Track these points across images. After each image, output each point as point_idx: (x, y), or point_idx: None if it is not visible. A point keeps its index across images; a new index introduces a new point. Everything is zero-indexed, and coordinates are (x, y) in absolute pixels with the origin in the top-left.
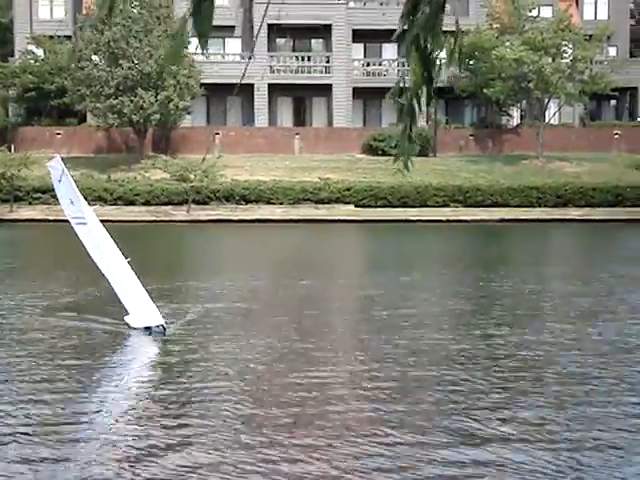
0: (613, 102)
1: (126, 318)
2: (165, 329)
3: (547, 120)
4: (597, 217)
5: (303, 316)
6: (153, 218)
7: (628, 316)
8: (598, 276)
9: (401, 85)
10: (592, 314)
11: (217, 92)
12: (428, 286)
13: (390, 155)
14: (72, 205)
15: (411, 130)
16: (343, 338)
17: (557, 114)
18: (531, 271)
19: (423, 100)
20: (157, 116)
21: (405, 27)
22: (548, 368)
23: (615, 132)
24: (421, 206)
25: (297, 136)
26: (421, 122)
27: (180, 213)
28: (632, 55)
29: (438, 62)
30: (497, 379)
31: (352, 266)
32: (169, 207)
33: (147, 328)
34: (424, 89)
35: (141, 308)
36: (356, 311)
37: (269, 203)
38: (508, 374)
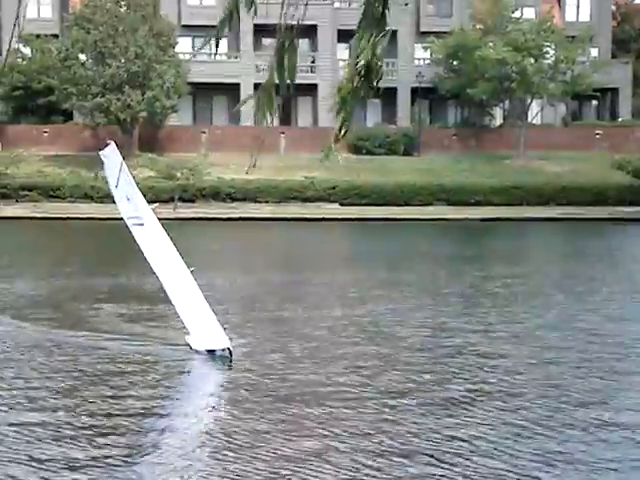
0: (594, 102)
1: (187, 338)
2: (232, 353)
3: (529, 120)
4: (578, 216)
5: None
6: None
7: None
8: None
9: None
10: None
11: (203, 91)
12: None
13: (374, 154)
14: (128, 203)
15: (341, 131)
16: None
17: (539, 114)
18: (489, 270)
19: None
20: (144, 114)
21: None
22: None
23: (596, 132)
24: (405, 205)
25: (283, 135)
26: (406, 122)
27: (166, 211)
28: (614, 56)
29: (377, 65)
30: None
31: (318, 263)
32: (155, 205)
33: (210, 351)
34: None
35: (204, 328)
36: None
37: (255, 201)
38: None
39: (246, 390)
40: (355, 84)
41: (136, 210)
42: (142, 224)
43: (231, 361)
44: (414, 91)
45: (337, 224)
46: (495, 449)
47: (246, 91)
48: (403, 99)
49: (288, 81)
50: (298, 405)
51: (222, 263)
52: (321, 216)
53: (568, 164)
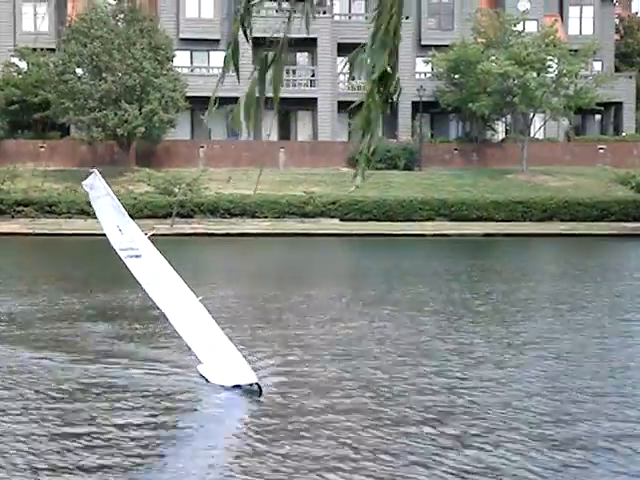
0: (598, 117)
1: (200, 368)
2: (261, 388)
3: (532, 134)
4: (582, 231)
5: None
6: None
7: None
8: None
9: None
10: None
11: (202, 105)
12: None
13: (375, 169)
14: (121, 234)
15: (369, 147)
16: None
17: (542, 129)
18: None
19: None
20: (141, 129)
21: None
22: None
23: (600, 147)
24: (406, 220)
25: (282, 149)
26: (407, 136)
27: (164, 227)
28: (617, 70)
29: (394, 83)
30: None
31: (312, 278)
32: (153, 220)
33: (236, 386)
34: (379, 108)
35: (224, 361)
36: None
37: (254, 217)
38: None
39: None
40: (376, 99)
41: (131, 241)
42: (139, 255)
43: (260, 394)
44: (415, 105)
45: (336, 240)
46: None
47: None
48: (404, 113)
49: (271, 94)
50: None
51: (217, 279)
52: (320, 232)
53: (571, 179)
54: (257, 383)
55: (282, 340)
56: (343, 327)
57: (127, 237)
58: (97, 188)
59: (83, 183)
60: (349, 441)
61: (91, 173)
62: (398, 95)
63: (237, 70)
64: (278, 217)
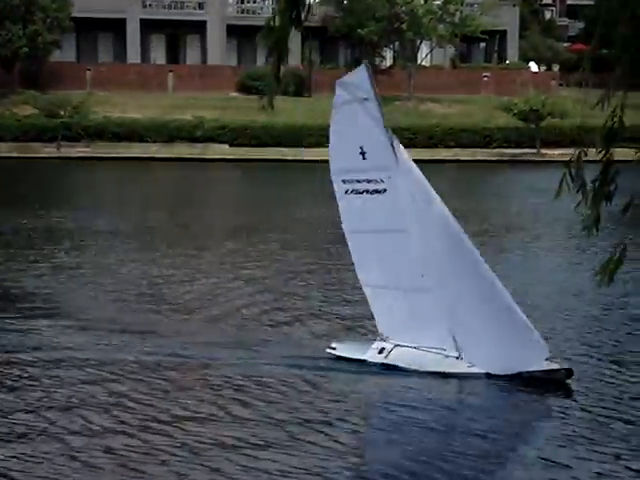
0: (483, 45)
1: (466, 365)
2: (571, 372)
3: (419, 62)
4: (465, 158)
5: None
6: (22, 155)
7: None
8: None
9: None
10: None
11: (88, 27)
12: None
13: (264, 94)
14: (361, 159)
15: (278, 70)
16: None
17: (429, 56)
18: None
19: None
20: (25, 50)
21: None
22: None
23: (484, 74)
24: (296, 146)
25: (170, 73)
26: (295, 62)
27: (50, 150)
28: None
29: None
30: None
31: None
32: (39, 144)
33: (547, 372)
34: (291, 29)
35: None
36: None
37: (142, 141)
38: None
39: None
40: (287, 18)
41: (380, 169)
42: (379, 191)
43: (569, 377)
44: (304, 30)
45: (225, 165)
46: None
47: (132, 27)
48: (293, 38)
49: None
50: None
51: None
52: (209, 157)
53: (456, 106)
54: (569, 368)
55: None
56: None
57: (370, 164)
58: (357, 89)
59: (340, 81)
60: None
61: (359, 68)
62: (307, 14)
63: None
64: (167, 141)
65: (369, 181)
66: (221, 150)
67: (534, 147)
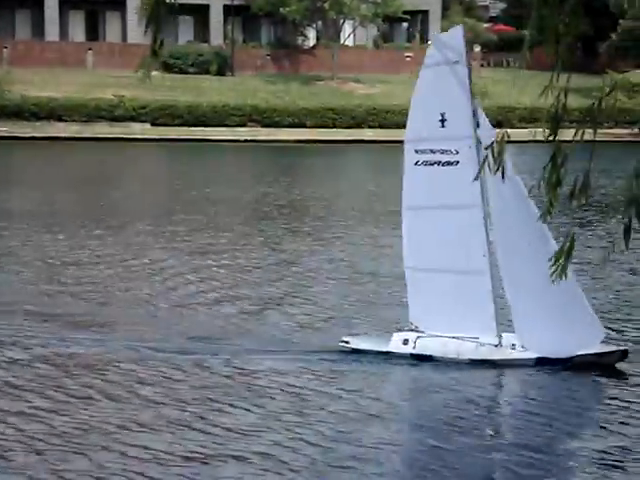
0: (405, 25)
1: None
2: (626, 353)
3: (342, 41)
4: (389, 138)
5: None
6: None
7: None
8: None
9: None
10: None
11: (5, 3)
12: None
13: (187, 73)
14: (440, 126)
15: (157, 43)
16: None
17: (352, 36)
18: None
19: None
20: None
21: None
22: None
23: (407, 55)
24: (219, 125)
25: (90, 51)
26: (218, 41)
27: None
28: None
29: None
30: None
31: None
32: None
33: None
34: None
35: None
36: None
37: (61, 120)
38: None
39: None
40: None
41: (468, 136)
42: (452, 162)
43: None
44: (227, 9)
45: (146, 145)
46: None
47: (51, 3)
48: (215, 16)
49: None
50: None
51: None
52: (130, 136)
53: (379, 86)
54: (625, 350)
55: None
56: None
57: (448, 132)
58: (450, 50)
59: (438, 35)
60: None
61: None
62: None
63: None
64: (86, 121)
65: (443, 152)
66: (142, 130)
67: None
